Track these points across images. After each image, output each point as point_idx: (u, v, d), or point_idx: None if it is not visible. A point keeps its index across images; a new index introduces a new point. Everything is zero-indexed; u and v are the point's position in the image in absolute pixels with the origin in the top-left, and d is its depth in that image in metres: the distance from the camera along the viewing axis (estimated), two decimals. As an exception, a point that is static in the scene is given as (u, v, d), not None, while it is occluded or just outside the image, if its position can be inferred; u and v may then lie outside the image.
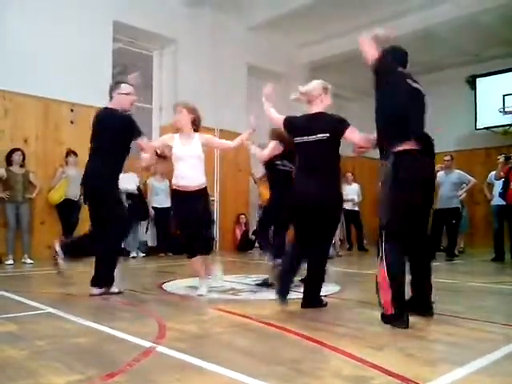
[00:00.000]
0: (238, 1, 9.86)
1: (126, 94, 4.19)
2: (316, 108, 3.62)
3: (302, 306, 3.58)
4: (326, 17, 10.14)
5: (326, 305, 3.64)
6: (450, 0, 9.39)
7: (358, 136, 3.54)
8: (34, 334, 2.76)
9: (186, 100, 4.59)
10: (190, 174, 4.19)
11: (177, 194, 4.24)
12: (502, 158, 8.16)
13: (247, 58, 10.83)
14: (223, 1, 9.83)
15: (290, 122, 3.74)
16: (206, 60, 9.96)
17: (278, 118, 3.85)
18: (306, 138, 3.55)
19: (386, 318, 3.02)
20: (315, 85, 3.65)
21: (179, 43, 9.73)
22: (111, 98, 4.24)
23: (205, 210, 4.24)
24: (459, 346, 2.61)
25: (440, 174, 7.95)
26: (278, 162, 4.78)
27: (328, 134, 3.47)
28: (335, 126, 3.54)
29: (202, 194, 4.23)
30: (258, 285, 4.78)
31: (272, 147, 4.69)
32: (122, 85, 4.24)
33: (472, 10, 9.42)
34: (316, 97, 3.61)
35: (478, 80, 11.53)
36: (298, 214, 3.64)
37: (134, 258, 8.22)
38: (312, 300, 3.61)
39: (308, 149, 3.55)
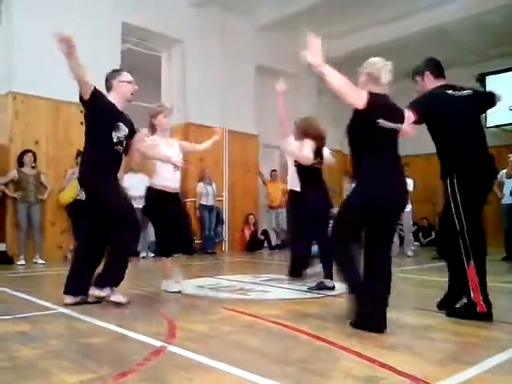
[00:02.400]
0: (246, 1, 9.87)
1: (127, 81, 3.85)
2: (384, 89, 3.04)
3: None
4: (335, 15, 10.11)
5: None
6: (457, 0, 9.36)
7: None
8: (47, 334, 2.80)
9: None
10: (176, 176, 4.39)
11: (163, 195, 4.29)
12: (512, 157, 8.10)
13: (255, 57, 10.84)
14: (231, 1, 9.85)
15: (375, 100, 2.93)
16: (214, 60, 9.98)
17: (356, 90, 2.96)
18: (393, 125, 2.99)
19: (478, 316, 3.12)
20: (377, 60, 3.10)
21: (187, 44, 9.75)
22: (110, 87, 3.88)
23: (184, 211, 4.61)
24: (469, 346, 2.61)
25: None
26: (315, 161, 4.51)
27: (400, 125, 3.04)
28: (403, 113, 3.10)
29: (179, 196, 4.54)
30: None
31: (311, 147, 4.41)
32: (123, 72, 3.92)
33: (481, 9, 9.36)
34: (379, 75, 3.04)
35: (487, 78, 11.45)
36: (377, 214, 2.98)
37: (143, 258, 8.26)
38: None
39: (392, 138, 3.02)
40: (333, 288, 4.38)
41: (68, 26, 7.96)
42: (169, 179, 4.28)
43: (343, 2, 9.44)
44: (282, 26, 10.64)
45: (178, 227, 4.32)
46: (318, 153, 4.53)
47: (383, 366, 2.18)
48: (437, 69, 3.55)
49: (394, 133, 3.01)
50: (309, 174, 4.57)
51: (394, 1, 9.63)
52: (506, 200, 8.11)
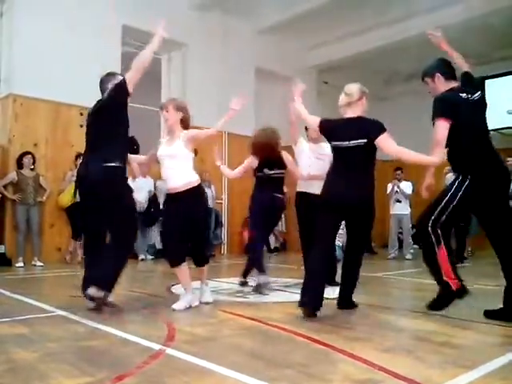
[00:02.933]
0: (247, 4, 9.88)
1: None
2: (354, 112, 3.53)
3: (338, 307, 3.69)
4: (335, 19, 10.15)
5: (357, 306, 3.73)
6: (459, 1, 9.37)
7: (393, 147, 3.40)
8: (45, 337, 2.79)
9: (177, 98, 4.51)
10: (172, 174, 3.84)
11: (166, 196, 4.06)
12: (511, 161, 8.11)
13: (256, 61, 10.86)
14: (232, 4, 9.86)
15: (326, 125, 3.65)
16: (214, 63, 9.99)
17: (312, 119, 3.76)
18: (344, 144, 3.47)
19: (449, 296, 3.30)
20: (356, 87, 3.56)
21: (188, 47, 9.77)
22: (104, 90, 3.77)
23: (195, 212, 3.85)
24: (469, 349, 2.61)
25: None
26: (260, 174, 5.04)
27: (365, 140, 3.40)
28: (370, 130, 3.44)
29: (190, 194, 3.79)
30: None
31: (244, 165, 5.20)
32: (119, 76, 3.87)
33: (481, 12, 9.38)
34: (356, 100, 3.52)
35: (486, 82, 11.45)
36: (328, 213, 3.51)
37: (142, 260, 8.25)
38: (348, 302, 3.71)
39: (345, 154, 3.49)
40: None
41: (68, 29, 8.07)
42: (166, 180, 3.95)
43: (342, 5, 9.46)
44: (283, 30, 10.68)
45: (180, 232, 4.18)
46: (271, 163, 4.94)
47: (382, 369, 2.17)
48: (448, 70, 3.51)
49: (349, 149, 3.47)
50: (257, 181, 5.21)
51: (394, 4, 9.66)
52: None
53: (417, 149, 3.36)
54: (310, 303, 3.38)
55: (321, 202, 3.59)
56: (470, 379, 2.09)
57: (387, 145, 3.38)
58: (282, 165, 4.93)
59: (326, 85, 12.57)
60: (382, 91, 12.64)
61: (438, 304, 3.39)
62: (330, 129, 3.61)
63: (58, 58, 7.69)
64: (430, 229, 3.31)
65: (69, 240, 7.69)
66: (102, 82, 3.88)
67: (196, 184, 3.82)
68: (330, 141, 3.60)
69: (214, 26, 10.01)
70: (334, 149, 3.56)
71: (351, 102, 3.51)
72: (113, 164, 3.56)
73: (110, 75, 3.92)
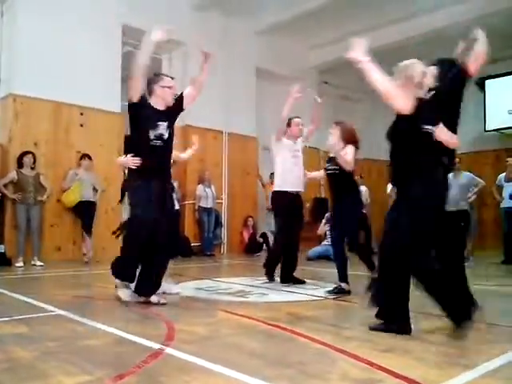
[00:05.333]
0: (247, 4, 9.88)
1: (168, 87, 3.98)
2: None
3: None
4: (335, 19, 10.15)
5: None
6: (459, 2, 9.37)
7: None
8: (45, 336, 2.79)
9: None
10: None
11: None
12: (511, 161, 8.12)
13: (256, 61, 10.86)
14: (232, 4, 9.86)
15: (419, 106, 2.92)
16: (214, 63, 9.96)
17: (402, 94, 2.91)
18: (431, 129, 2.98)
19: None
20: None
21: (188, 47, 9.75)
22: (151, 91, 3.96)
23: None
24: (467, 349, 2.61)
25: (449, 176, 7.92)
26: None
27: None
28: None
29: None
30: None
31: (352, 153, 4.46)
32: (165, 77, 4.06)
33: (482, 12, 9.37)
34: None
35: (487, 82, 11.47)
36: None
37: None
38: None
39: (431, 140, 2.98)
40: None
41: (69, 29, 8.09)
42: None
43: (342, 5, 9.45)
44: (282, 30, 10.68)
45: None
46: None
47: (381, 368, 2.18)
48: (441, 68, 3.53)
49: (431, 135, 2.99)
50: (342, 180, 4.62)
51: (394, 4, 9.65)
52: (505, 204, 8.13)
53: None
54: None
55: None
56: (469, 379, 2.09)
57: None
58: None
59: (326, 85, 12.58)
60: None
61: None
62: (422, 109, 2.94)
63: (59, 57, 7.69)
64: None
65: (81, 240, 7.72)
66: (149, 83, 4.01)
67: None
68: (424, 124, 2.95)
69: (213, 27, 10.01)
70: (424, 134, 2.95)
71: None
72: None
73: (157, 76, 4.12)
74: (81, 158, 7.84)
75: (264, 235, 10.60)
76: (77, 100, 7.93)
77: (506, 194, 8.15)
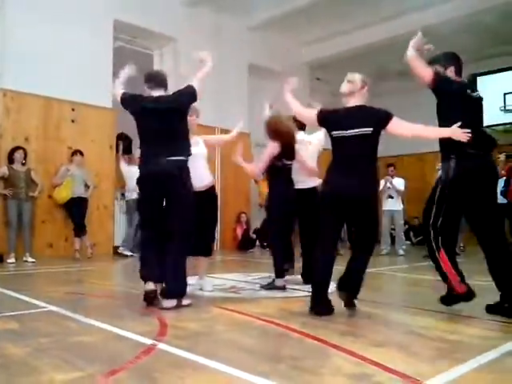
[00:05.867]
0: (239, 0, 9.85)
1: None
2: (356, 101, 3.41)
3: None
4: (327, 16, 10.16)
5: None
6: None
7: (409, 128, 3.35)
8: (36, 332, 2.78)
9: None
10: (198, 173, 4.03)
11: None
12: (502, 157, 8.17)
13: (248, 57, 10.84)
14: (224, 0, 9.83)
15: (326, 115, 3.49)
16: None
17: (307, 112, 3.69)
18: (346, 133, 3.32)
19: (458, 298, 3.34)
20: (359, 76, 3.46)
21: (180, 42, 9.72)
22: (166, 86, 3.99)
23: (210, 211, 4.19)
24: (460, 344, 2.62)
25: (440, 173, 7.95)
26: (279, 164, 4.55)
27: (371, 129, 3.29)
28: (377, 119, 3.35)
29: (208, 194, 4.24)
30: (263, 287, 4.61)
31: (269, 154, 4.52)
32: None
33: (472, 10, 9.42)
34: (359, 89, 3.40)
35: (478, 79, 11.47)
36: (333, 208, 3.35)
37: (132, 256, 8.15)
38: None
39: (346, 144, 3.34)
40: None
41: (60, 23, 8.03)
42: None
43: (335, 1, 9.46)
44: (275, 26, 10.67)
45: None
46: (289, 153, 4.57)
47: (374, 363, 2.18)
48: (459, 66, 3.62)
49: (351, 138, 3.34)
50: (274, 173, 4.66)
51: (386, 1, 9.67)
52: (498, 200, 8.16)
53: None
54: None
55: (321, 199, 3.50)
56: (461, 373, 2.10)
57: (401, 128, 3.34)
58: (293, 156, 4.66)
59: (318, 81, 12.59)
60: (375, 88, 12.66)
61: (447, 301, 3.43)
62: (331, 118, 3.47)
63: (50, 52, 7.63)
64: (431, 233, 3.34)
65: (72, 238, 7.69)
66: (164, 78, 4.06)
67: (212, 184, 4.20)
68: (329, 131, 3.42)
69: (205, 22, 9.99)
70: (335, 139, 3.39)
71: (354, 91, 3.41)
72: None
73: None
74: (72, 154, 7.81)
75: (257, 231, 10.62)
76: (68, 95, 7.87)
77: (497, 190, 8.19)
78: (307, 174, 4.77)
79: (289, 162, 4.61)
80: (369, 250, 3.43)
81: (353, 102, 3.42)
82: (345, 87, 3.46)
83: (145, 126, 3.74)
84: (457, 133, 3.14)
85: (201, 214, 3.86)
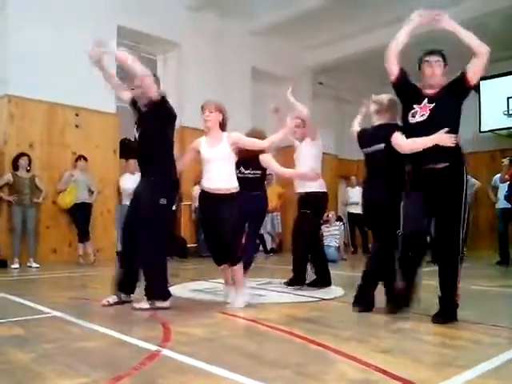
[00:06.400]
0: (242, 5, 9.89)
1: None
2: (379, 120, 3.71)
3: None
4: (330, 20, 10.17)
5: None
6: (455, 3, 9.40)
7: (402, 142, 3.45)
8: (41, 338, 2.78)
9: (212, 99, 4.33)
10: (219, 176, 3.87)
11: (206, 197, 3.95)
12: (506, 161, 8.15)
13: (251, 61, 10.87)
14: (227, 5, 9.87)
15: (359, 135, 3.94)
16: (210, 64, 9.99)
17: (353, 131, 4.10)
18: (367, 150, 3.73)
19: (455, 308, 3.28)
20: (386, 96, 3.76)
21: (183, 47, 9.77)
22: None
23: (230, 216, 3.84)
24: (464, 350, 2.61)
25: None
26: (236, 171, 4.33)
27: (383, 145, 3.56)
28: (386, 134, 3.56)
29: (231, 199, 3.87)
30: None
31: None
32: None
33: (476, 13, 9.42)
34: (385, 109, 3.69)
35: (482, 83, 11.50)
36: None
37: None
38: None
39: (368, 160, 3.76)
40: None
41: (63, 29, 8.05)
42: (211, 180, 3.91)
43: (338, 6, 9.48)
44: (278, 31, 10.69)
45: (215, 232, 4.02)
46: (250, 163, 4.57)
47: (378, 369, 2.18)
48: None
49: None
50: None
51: (389, 5, 9.67)
52: (500, 204, 8.15)
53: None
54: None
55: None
56: (466, 379, 2.09)
57: (396, 143, 3.46)
58: (258, 165, 4.61)
59: (321, 86, 12.60)
60: (379, 92, 12.68)
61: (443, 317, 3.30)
62: (360, 137, 3.89)
63: (53, 58, 7.67)
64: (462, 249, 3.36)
65: (76, 243, 7.74)
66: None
67: (236, 189, 3.89)
68: (361, 148, 3.82)
69: (208, 27, 10.03)
70: (364, 155, 3.80)
71: (379, 110, 3.71)
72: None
73: None
74: (76, 160, 7.84)
75: (260, 236, 10.60)
76: (72, 101, 7.91)
77: (500, 194, 8.17)
78: (302, 179, 4.81)
79: (247, 171, 4.64)
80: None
81: (377, 121, 3.73)
82: (371, 107, 3.80)
83: None
84: (444, 138, 3.26)
85: (220, 217, 3.80)
